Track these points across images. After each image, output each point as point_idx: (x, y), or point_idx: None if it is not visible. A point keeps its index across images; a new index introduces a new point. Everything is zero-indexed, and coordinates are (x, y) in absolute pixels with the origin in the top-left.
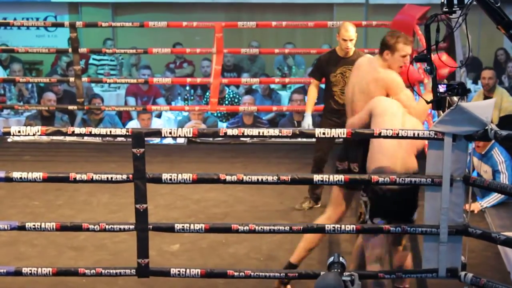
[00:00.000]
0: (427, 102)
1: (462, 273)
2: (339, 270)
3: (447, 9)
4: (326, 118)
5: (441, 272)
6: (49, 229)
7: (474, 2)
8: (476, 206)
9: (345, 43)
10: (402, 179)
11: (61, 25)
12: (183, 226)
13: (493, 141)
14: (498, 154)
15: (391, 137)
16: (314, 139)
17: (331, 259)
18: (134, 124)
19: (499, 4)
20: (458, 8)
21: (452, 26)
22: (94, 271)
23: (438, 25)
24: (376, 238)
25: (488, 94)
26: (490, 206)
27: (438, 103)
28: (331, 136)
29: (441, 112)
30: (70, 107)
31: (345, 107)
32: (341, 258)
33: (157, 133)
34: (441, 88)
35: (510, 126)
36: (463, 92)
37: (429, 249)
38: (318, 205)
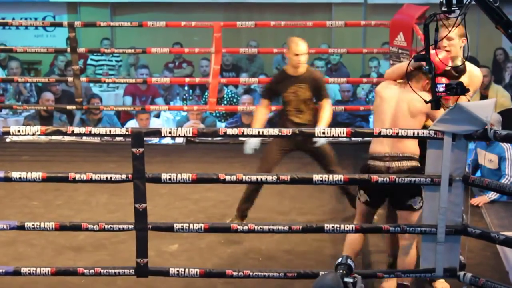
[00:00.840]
0: (426, 102)
1: (461, 273)
2: (344, 272)
3: (446, 9)
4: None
5: (438, 271)
6: (48, 229)
7: (473, 2)
8: (484, 199)
9: (297, 58)
10: (402, 179)
11: (60, 25)
12: (182, 226)
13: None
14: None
15: (391, 136)
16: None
17: (339, 260)
18: (133, 124)
19: (498, 4)
20: (457, 8)
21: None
22: (93, 271)
23: (437, 25)
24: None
25: (484, 92)
26: (498, 197)
27: (436, 103)
28: (331, 135)
29: None
30: (69, 107)
31: (300, 126)
32: (349, 260)
33: (157, 132)
34: (440, 88)
35: (506, 120)
36: (462, 91)
37: (427, 248)
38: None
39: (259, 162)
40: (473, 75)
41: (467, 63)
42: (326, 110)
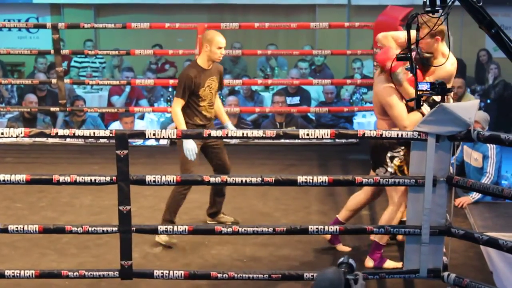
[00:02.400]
0: (406, 101)
1: (445, 274)
2: (346, 270)
3: (429, 9)
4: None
5: (422, 272)
6: (31, 231)
7: (457, 2)
8: (467, 199)
9: (220, 51)
10: (386, 181)
11: (43, 26)
12: (166, 228)
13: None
14: None
15: (375, 138)
16: (278, 141)
17: (341, 259)
18: (116, 126)
19: (481, 4)
20: (440, 8)
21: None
22: (77, 273)
23: (418, 25)
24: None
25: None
26: (481, 197)
27: (418, 102)
28: (315, 137)
29: None
30: (53, 109)
31: (211, 121)
32: (350, 260)
33: (141, 134)
34: (422, 87)
35: None
36: (443, 91)
37: (411, 249)
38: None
39: (183, 166)
40: (441, 68)
41: (445, 53)
42: (220, 102)
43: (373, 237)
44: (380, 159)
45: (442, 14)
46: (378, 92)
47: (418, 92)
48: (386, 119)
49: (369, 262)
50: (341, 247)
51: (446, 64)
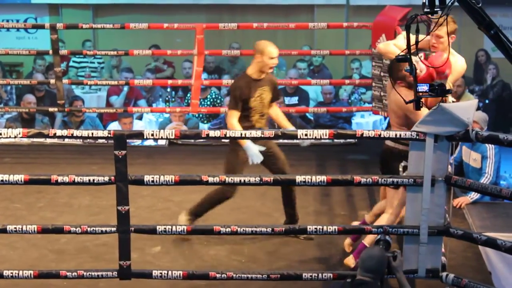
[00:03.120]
0: (406, 102)
1: (444, 274)
2: (384, 247)
3: (428, 10)
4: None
5: (420, 272)
6: (30, 231)
7: (456, 3)
8: (465, 200)
9: (272, 61)
10: (384, 180)
11: (42, 27)
12: (165, 228)
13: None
14: None
15: (374, 138)
16: (295, 141)
17: (378, 236)
18: (115, 127)
19: (480, 5)
20: (439, 9)
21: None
22: (75, 273)
23: (417, 26)
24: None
25: (456, 101)
26: (479, 198)
27: (417, 103)
28: (314, 137)
29: None
30: (51, 109)
31: None
32: (387, 237)
33: (139, 134)
34: (422, 88)
35: None
36: (442, 92)
37: (409, 249)
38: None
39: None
40: (455, 64)
41: (453, 52)
42: (279, 111)
43: (364, 239)
44: (392, 168)
45: (442, 15)
46: (400, 102)
47: (418, 94)
48: (404, 129)
49: (351, 262)
50: (347, 259)
51: (458, 60)
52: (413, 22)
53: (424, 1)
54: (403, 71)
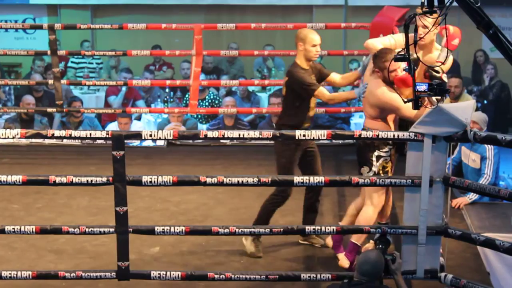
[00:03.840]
0: (405, 102)
1: (442, 274)
2: (383, 247)
3: (427, 9)
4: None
5: (419, 273)
6: (28, 232)
7: (455, 3)
8: (464, 200)
9: (315, 48)
10: (382, 181)
11: (40, 27)
12: (163, 229)
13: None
14: None
15: (372, 138)
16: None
17: (378, 235)
18: (114, 127)
19: (479, 4)
20: (438, 8)
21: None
22: (74, 274)
23: (415, 25)
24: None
25: (454, 101)
26: (478, 198)
27: (416, 102)
28: (312, 138)
29: None
30: (49, 110)
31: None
32: (388, 236)
33: (138, 135)
34: (420, 88)
35: None
36: (441, 92)
37: (407, 250)
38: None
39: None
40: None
41: (437, 46)
42: (340, 76)
43: (351, 237)
44: (365, 157)
45: (440, 14)
46: (376, 95)
47: (416, 93)
48: (379, 120)
49: (345, 262)
50: (341, 260)
51: (442, 54)
52: (411, 22)
53: (422, 0)
54: (385, 63)
